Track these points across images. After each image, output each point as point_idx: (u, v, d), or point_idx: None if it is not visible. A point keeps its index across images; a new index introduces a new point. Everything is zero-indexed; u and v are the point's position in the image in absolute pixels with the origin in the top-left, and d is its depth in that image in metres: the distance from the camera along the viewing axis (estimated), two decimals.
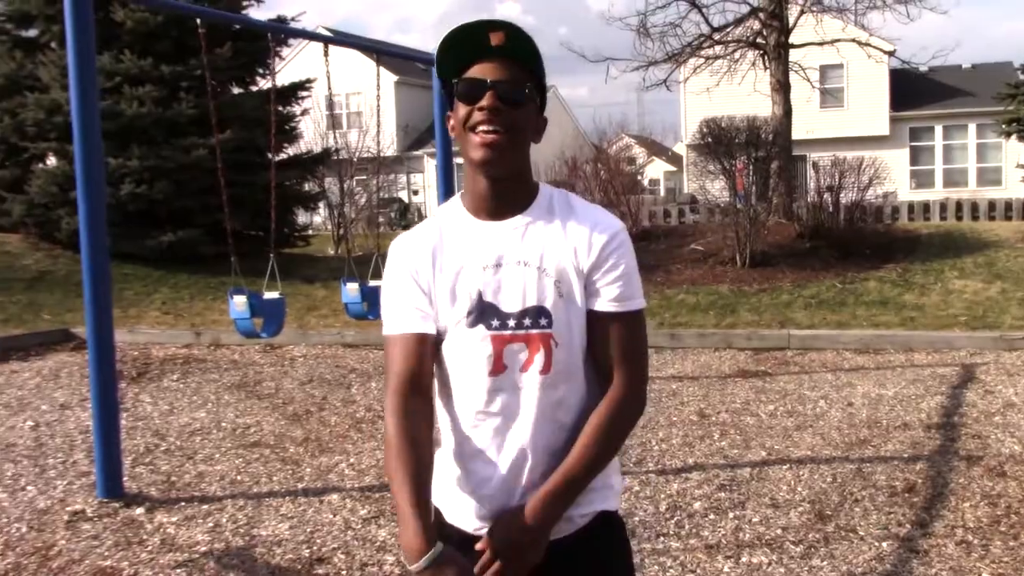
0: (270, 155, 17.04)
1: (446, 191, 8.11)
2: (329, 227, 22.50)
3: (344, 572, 4.15)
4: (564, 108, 47.17)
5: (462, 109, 1.82)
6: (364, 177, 23.87)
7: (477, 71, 1.81)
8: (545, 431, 1.82)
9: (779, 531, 4.50)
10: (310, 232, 19.63)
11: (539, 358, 1.81)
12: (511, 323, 1.81)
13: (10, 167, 15.42)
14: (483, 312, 1.82)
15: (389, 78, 42.91)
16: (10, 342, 10.31)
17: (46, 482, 5.53)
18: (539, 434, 1.82)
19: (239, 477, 5.60)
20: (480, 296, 1.82)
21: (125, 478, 5.40)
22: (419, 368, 1.80)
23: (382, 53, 7.69)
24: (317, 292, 13.88)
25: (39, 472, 5.73)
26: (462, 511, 1.88)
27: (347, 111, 38.76)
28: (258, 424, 6.88)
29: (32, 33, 15.89)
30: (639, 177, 40.60)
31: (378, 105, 7.96)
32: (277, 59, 17.90)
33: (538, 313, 1.81)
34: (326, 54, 7.16)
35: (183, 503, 5.12)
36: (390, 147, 37.85)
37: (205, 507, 5.06)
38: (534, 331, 1.81)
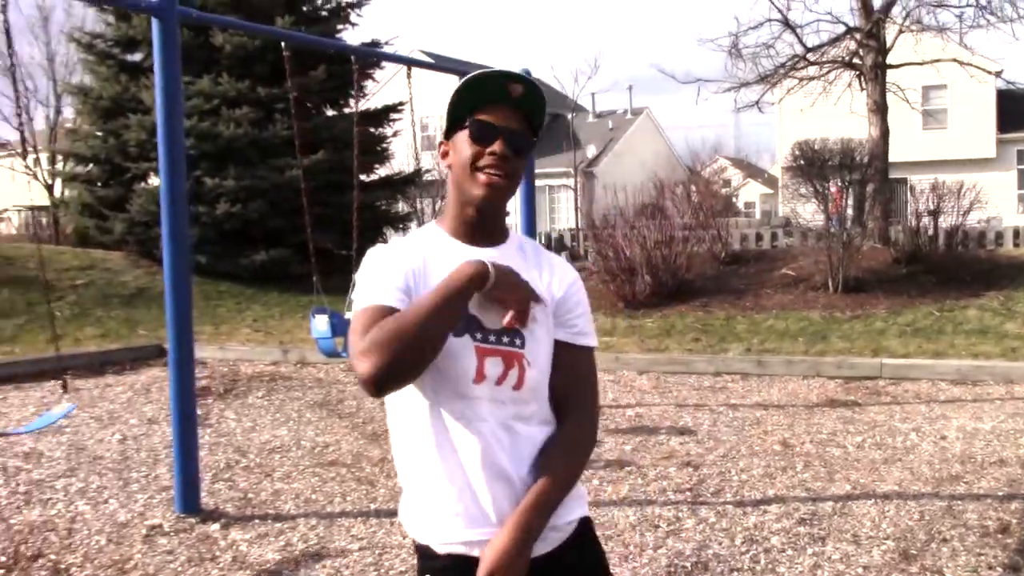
0: (362, 176, 17.37)
1: (528, 213, 8.09)
2: None
3: None
4: (657, 130, 46.89)
5: (470, 148, 1.96)
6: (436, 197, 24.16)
7: (491, 116, 1.95)
8: (518, 442, 1.93)
9: (860, 570, 4.32)
10: None
11: (513, 374, 1.94)
12: (491, 338, 1.94)
13: (113, 186, 15.99)
14: (469, 322, 1.92)
15: None
16: (106, 356, 10.63)
17: (128, 495, 5.65)
18: (513, 445, 1.92)
19: (314, 496, 5.63)
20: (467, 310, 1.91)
21: (204, 494, 5.48)
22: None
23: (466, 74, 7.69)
24: None
25: (122, 485, 5.86)
26: (453, 532, 1.92)
27: (436, 132, 39.25)
28: (337, 443, 6.93)
29: (136, 57, 16.49)
30: (733, 199, 40.12)
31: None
32: (371, 81, 18.26)
33: (513, 333, 1.96)
34: (409, 76, 7.22)
35: (257, 520, 5.17)
36: None
37: (278, 525, 5.09)
38: (509, 348, 1.95)
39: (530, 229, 8.15)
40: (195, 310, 13.13)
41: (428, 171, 18.12)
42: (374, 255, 2.00)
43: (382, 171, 18.26)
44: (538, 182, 38.48)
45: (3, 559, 4.68)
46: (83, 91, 16.28)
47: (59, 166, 22.71)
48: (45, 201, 26.12)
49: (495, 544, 1.84)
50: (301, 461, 6.43)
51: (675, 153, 46.26)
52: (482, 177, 1.95)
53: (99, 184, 16.17)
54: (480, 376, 1.91)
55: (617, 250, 13.11)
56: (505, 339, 1.95)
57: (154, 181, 16.05)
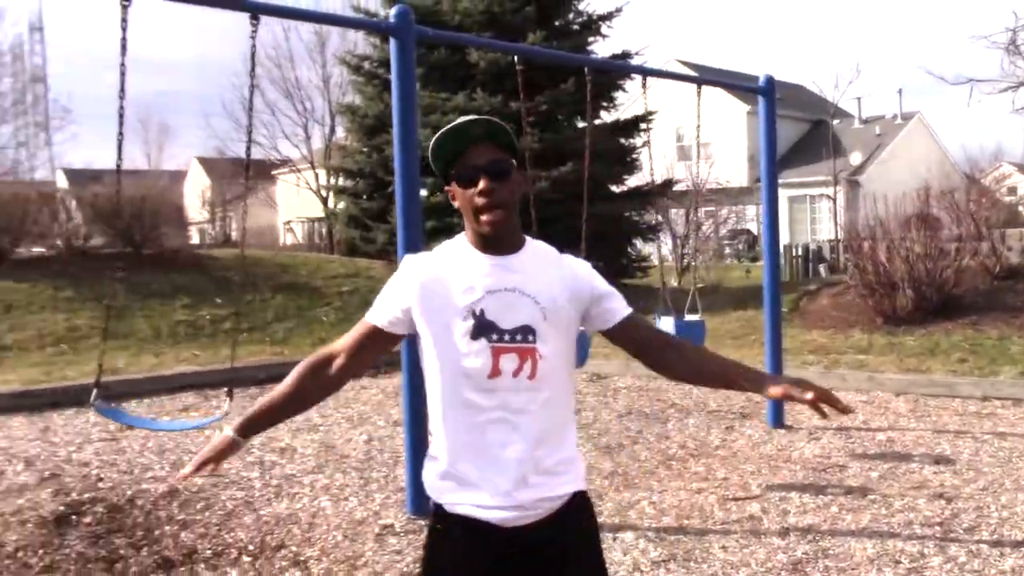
0: (612, 187, 17.44)
1: (771, 224, 7.80)
2: (671, 258, 22.55)
3: None
4: (930, 135, 44.02)
5: (463, 193, 2.28)
6: (712, 208, 23.71)
7: (466, 158, 2.26)
8: (534, 424, 2.25)
9: None
10: (648, 263, 19.67)
11: (527, 367, 2.26)
12: (506, 337, 2.25)
13: (376, 199, 16.90)
14: (483, 327, 2.24)
15: (741, 108, 42.40)
16: None
17: (367, 494, 5.89)
18: (529, 426, 2.25)
19: None
20: (483, 313, 2.25)
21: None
22: (354, 350, 2.38)
23: (703, 83, 7.53)
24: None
25: (362, 484, 6.13)
26: (471, 499, 2.25)
27: (696, 142, 38.50)
28: None
29: None
30: (1021, 208, 36.91)
31: (697, 137, 7.81)
32: (621, 92, 18.27)
33: (526, 331, 2.26)
34: (644, 87, 7.15)
35: None
36: (738, 178, 37.35)
37: None
38: (524, 345, 2.26)
39: (773, 239, 7.85)
40: None
41: (679, 181, 17.89)
42: (402, 266, 2.38)
43: (631, 181, 18.21)
44: (799, 191, 36.86)
45: (251, 547, 5.00)
46: (351, 110, 17.35)
47: (332, 181, 24.30)
48: (321, 213, 28.05)
49: (797, 386, 2.23)
50: None
51: (950, 159, 43.19)
52: (483, 218, 2.25)
53: (364, 197, 17.14)
54: (496, 371, 2.24)
55: (876, 263, 12.36)
56: (519, 337, 2.26)
57: None
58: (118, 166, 5.75)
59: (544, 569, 2.30)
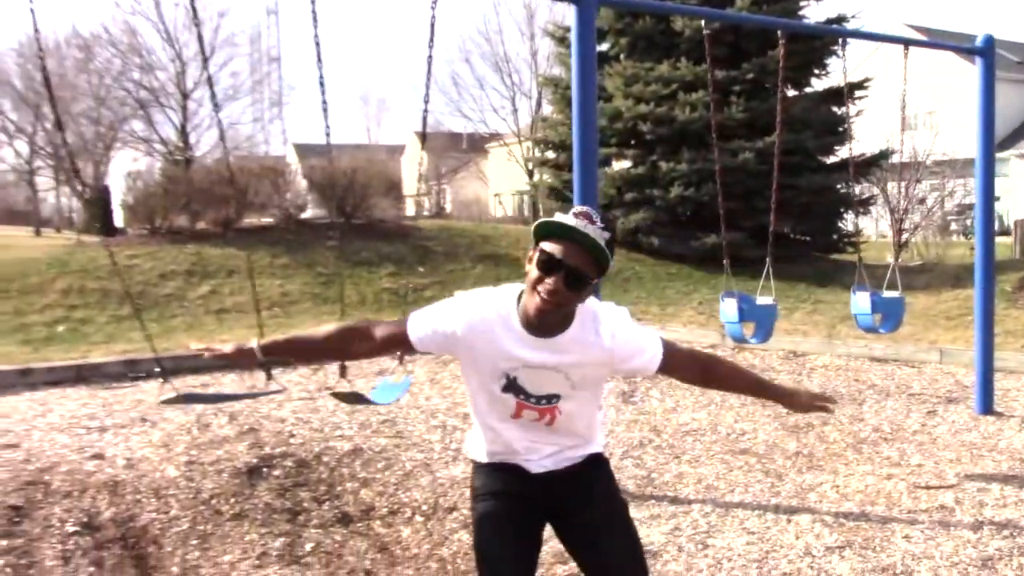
0: (822, 158, 16.68)
1: (985, 196, 7.21)
2: (889, 234, 21.32)
3: None
4: None
5: (536, 270, 2.39)
6: (937, 181, 22.27)
7: (557, 248, 2.36)
8: (551, 443, 2.67)
9: None
10: (863, 238, 18.70)
11: (547, 418, 2.62)
12: (531, 400, 2.58)
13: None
14: (513, 388, 2.56)
15: (972, 72, 39.45)
16: None
17: None
18: (547, 446, 2.67)
19: (715, 483, 5.51)
20: (515, 380, 2.55)
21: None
22: (385, 344, 2.65)
23: (909, 44, 7.04)
24: None
25: None
26: (493, 455, 2.73)
27: (920, 111, 36.11)
28: (754, 431, 6.72)
29: (603, 47, 17.22)
30: None
31: (903, 103, 7.30)
32: (835, 58, 17.41)
33: (552, 397, 2.58)
34: (843, 48, 6.77)
35: (653, 501, 5.17)
36: (970, 149, 34.75)
37: (672, 508, 5.05)
38: (546, 406, 2.59)
39: (987, 214, 7.27)
40: (643, 290, 13.49)
41: (894, 152, 16.88)
42: (457, 304, 2.58)
43: (842, 152, 17.34)
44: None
45: (425, 508, 5.14)
46: (554, 82, 17.38)
47: (536, 153, 24.54)
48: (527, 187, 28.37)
49: (796, 400, 2.82)
50: (713, 446, 6.33)
51: None
52: (537, 299, 2.39)
53: (566, 169, 17.16)
54: (518, 415, 2.61)
55: None
56: (543, 401, 2.57)
57: (616, 165, 16.72)
58: (326, 131, 6.03)
59: (566, 504, 2.69)
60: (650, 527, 4.72)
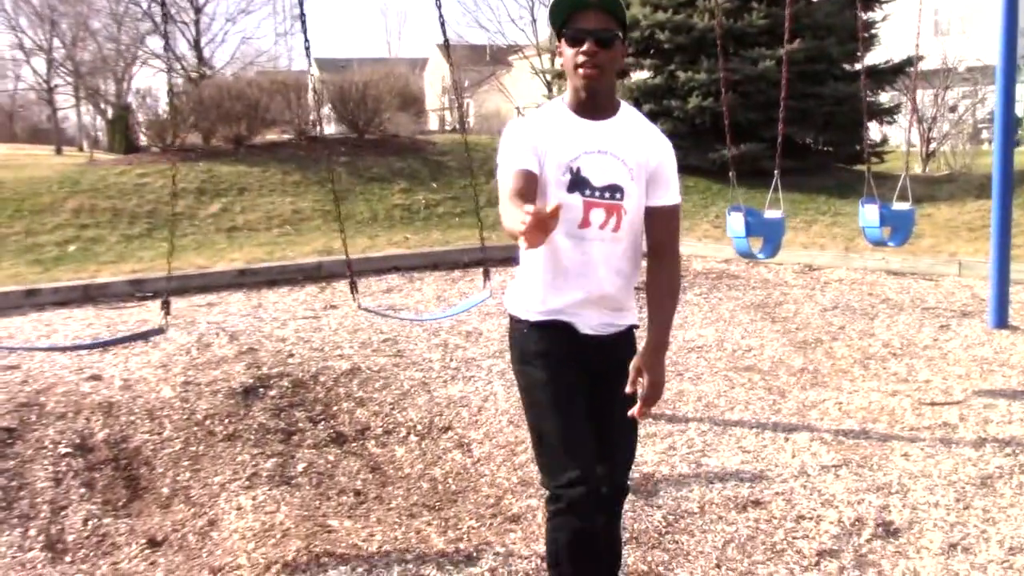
0: (845, 65, 16.20)
1: (1005, 100, 6.92)
2: (915, 144, 20.81)
3: (776, 521, 3.80)
4: None
5: (569, 50, 2.57)
6: (969, 89, 21.63)
7: (579, 21, 2.53)
8: (606, 266, 2.65)
9: None
10: (885, 148, 18.24)
11: (612, 221, 2.62)
12: (596, 193, 2.59)
13: None
14: (578, 183, 2.58)
15: None
16: None
17: None
18: (606, 265, 2.65)
19: (716, 400, 5.42)
20: (579, 171, 2.58)
21: None
22: (526, 189, 2.50)
23: None
24: None
25: None
26: (546, 302, 2.70)
27: (952, 15, 34.96)
28: (760, 348, 6.61)
29: None
30: None
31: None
32: None
33: (615, 189, 2.60)
34: None
35: (651, 420, 5.08)
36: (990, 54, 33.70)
37: (669, 427, 4.98)
38: (611, 202, 2.60)
39: (1007, 119, 6.98)
40: None
41: (922, 58, 16.33)
42: (510, 129, 2.63)
43: (869, 59, 16.83)
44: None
45: (420, 427, 5.10)
46: None
47: (553, 65, 24.02)
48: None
49: (646, 360, 2.59)
50: (716, 363, 6.23)
51: None
52: (581, 72, 2.55)
53: None
54: (586, 223, 2.60)
55: None
56: (607, 194, 2.59)
57: (634, 76, 16.31)
58: (308, 51, 5.92)
59: (603, 371, 2.72)
60: (644, 446, 4.64)
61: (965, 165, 17.16)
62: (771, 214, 7.04)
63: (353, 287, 5.90)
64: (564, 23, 2.57)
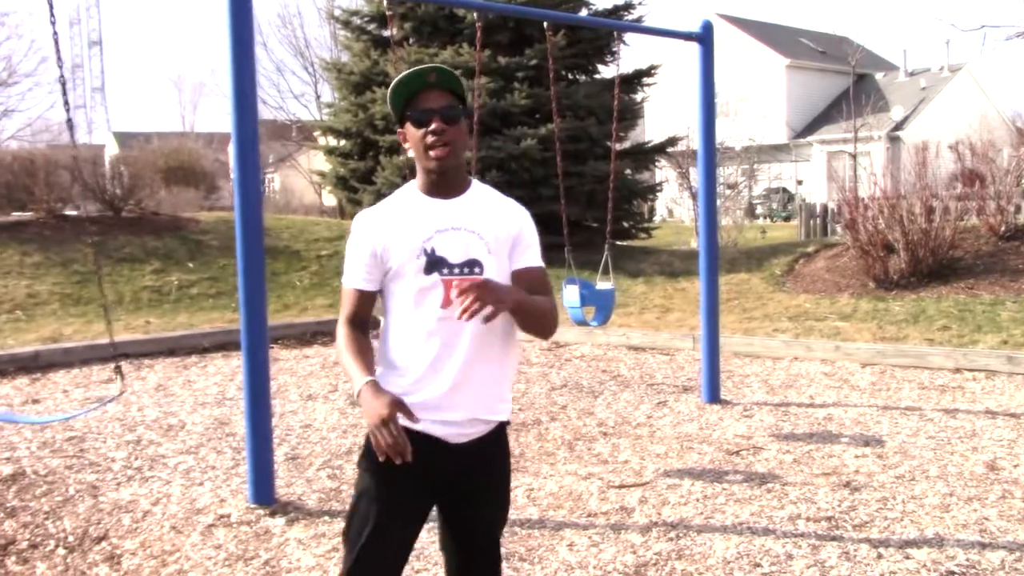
0: (612, 144, 16.75)
1: (707, 184, 7.15)
2: (688, 219, 21.67)
3: None
4: (980, 89, 42.18)
5: (416, 131, 2.53)
6: (747, 167, 22.78)
7: (422, 102, 2.51)
8: (476, 349, 2.51)
9: None
10: (654, 223, 18.96)
11: None
12: (456, 270, 2.51)
13: (364, 160, 16.40)
14: (435, 263, 2.51)
15: (780, 62, 41.02)
16: (320, 327, 10.81)
17: (228, 477, 5.46)
18: (472, 350, 2.51)
19: None
20: (434, 251, 2.51)
21: (281, 484, 5.22)
22: (360, 312, 2.57)
23: (624, 30, 6.90)
24: (635, 288, 13.30)
25: (232, 466, 5.67)
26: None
27: (729, 98, 37.10)
28: None
29: (388, 32, 16.76)
30: None
31: (617, 90, 7.17)
32: (623, 45, 17.46)
33: (473, 264, 2.52)
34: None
35: (328, 517, 4.80)
36: (776, 135, 36.14)
37: (326, 525, 4.70)
38: (471, 277, 2.49)
39: (710, 203, 7.21)
40: None
41: (682, 139, 17.10)
42: (354, 227, 2.59)
43: (631, 140, 17.50)
44: (839, 148, 35.41)
45: (71, 539, 4.62)
46: (337, 67, 16.79)
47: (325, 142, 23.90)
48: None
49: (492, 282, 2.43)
50: None
51: (1003, 116, 41.38)
52: (431, 153, 2.50)
53: (355, 157, 16.66)
54: (447, 301, 2.49)
55: (867, 223, 11.63)
56: (466, 270, 2.51)
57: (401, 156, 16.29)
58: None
59: (465, 480, 2.59)
60: (307, 548, 4.35)
61: (731, 238, 17.92)
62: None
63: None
64: (406, 106, 2.54)
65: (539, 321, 2.57)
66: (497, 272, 2.53)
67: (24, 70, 27.55)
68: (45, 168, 14.71)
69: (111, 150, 42.42)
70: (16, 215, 14.86)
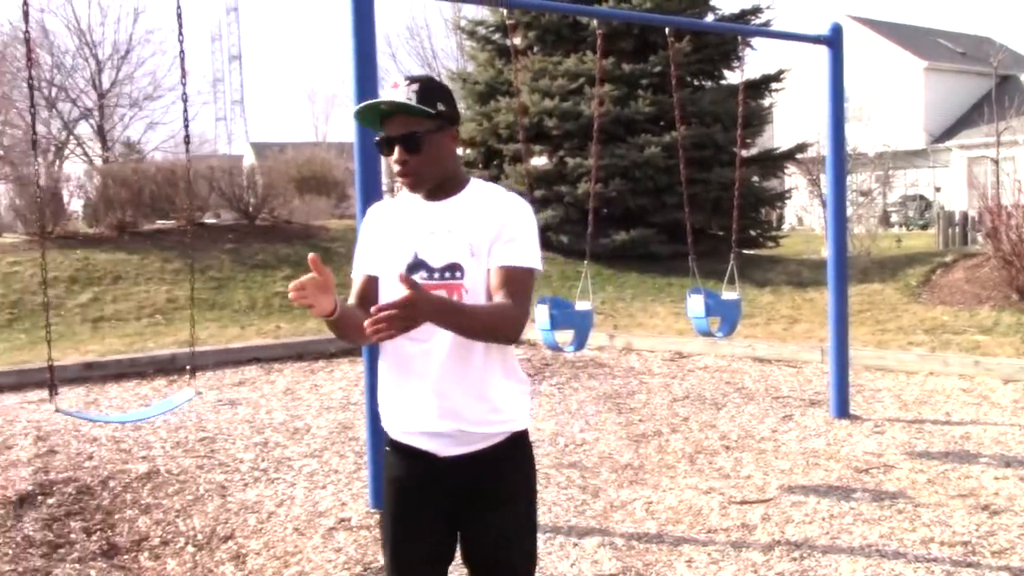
0: (738, 151, 16.45)
1: (837, 190, 6.92)
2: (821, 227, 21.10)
3: None
4: None
5: (385, 159, 2.67)
6: (881, 173, 22.07)
7: (386, 127, 2.48)
8: (455, 357, 2.43)
9: None
10: (782, 231, 18.50)
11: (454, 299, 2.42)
12: (435, 275, 2.46)
13: (488, 168, 16.53)
14: (416, 266, 2.46)
15: (917, 64, 39.56)
16: None
17: (350, 482, 5.57)
18: (450, 358, 2.43)
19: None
20: (416, 254, 2.47)
21: None
22: (365, 296, 2.53)
23: (751, 35, 6.75)
24: (762, 298, 13.00)
25: (354, 470, 5.79)
26: (395, 423, 2.54)
27: (863, 103, 35.94)
28: (594, 442, 6.41)
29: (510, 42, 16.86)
30: None
31: (742, 95, 7.01)
32: (749, 49, 17.15)
33: (454, 268, 2.46)
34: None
35: None
36: (913, 141, 34.87)
37: None
38: (450, 281, 2.45)
39: (839, 210, 6.98)
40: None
41: (811, 145, 16.66)
42: (365, 219, 2.66)
43: (759, 146, 17.15)
44: (977, 152, 33.94)
45: (200, 537, 4.78)
46: (463, 76, 17.00)
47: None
48: None
49: (424, 293, 2.18)
50: (543, 459, 5.98)
51: None
52: (400, 181, 2.49)
53: (479, 166, 16.82)
54: None
55: (1010, 232, 11.09)
56: (446, 274, 2.45)
57: (535, 161, 16.37)
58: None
59: (468, 498, 2.51)
60: None
61: (862, 247, 17.35)
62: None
63: (52, 389, 5.28)
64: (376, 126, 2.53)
65: (476, 333, 2.35)
66: (480, 276, 2.45)
67: (168, 84, 28.69)
68: (185, 178, 15.32)
69: (248, 160, 43.94)
70: (160, 223, 15.54)
